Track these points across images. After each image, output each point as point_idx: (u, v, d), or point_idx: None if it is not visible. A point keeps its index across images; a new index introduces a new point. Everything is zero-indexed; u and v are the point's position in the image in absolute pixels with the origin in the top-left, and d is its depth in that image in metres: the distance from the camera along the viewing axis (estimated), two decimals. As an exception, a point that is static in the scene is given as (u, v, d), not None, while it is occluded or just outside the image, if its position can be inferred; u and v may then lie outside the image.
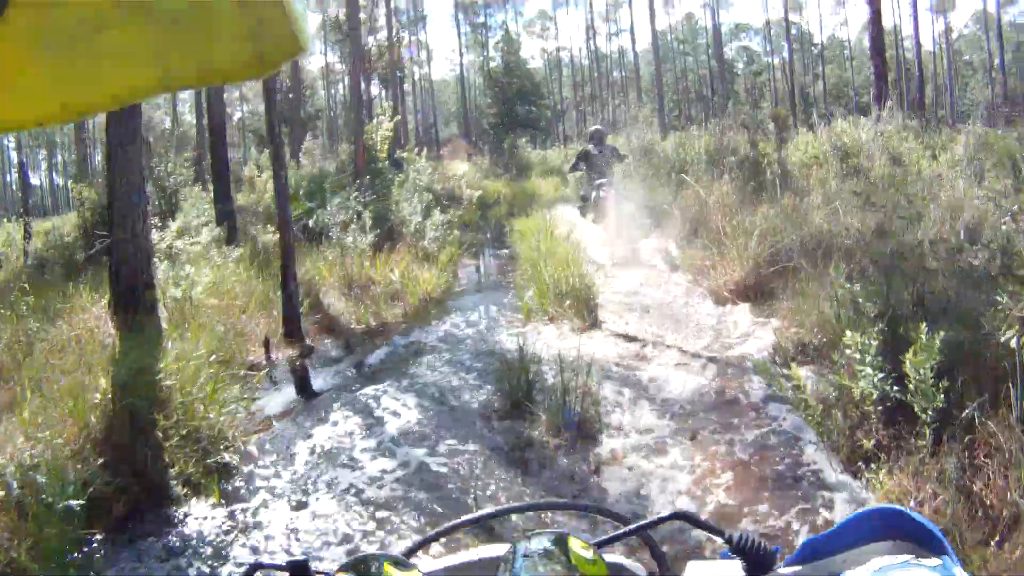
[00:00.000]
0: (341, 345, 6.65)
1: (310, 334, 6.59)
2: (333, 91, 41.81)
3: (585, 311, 6.33)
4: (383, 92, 37.49)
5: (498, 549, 0.78)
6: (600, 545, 0.72)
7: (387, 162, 12.77)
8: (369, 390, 5.24)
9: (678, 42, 49.42)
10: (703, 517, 0.88)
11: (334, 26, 29.79)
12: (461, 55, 41.83)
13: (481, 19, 43.34)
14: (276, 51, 0.53)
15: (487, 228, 15.38)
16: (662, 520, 0.75)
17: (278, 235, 7.05)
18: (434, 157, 28.93)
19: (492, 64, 31.71)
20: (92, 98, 0.56)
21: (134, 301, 5.54)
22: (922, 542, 0.60)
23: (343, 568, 0.69)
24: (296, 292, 6.51)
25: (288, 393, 5.53)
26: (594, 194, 9.75)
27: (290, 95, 29.09)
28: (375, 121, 12.94)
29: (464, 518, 0.83)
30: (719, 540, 0.70)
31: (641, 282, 7.86)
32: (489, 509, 0.88)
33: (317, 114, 37.93)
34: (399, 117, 16.30)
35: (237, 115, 39.68)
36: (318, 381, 5.77)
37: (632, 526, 0.75)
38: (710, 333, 5.85)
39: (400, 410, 4.83)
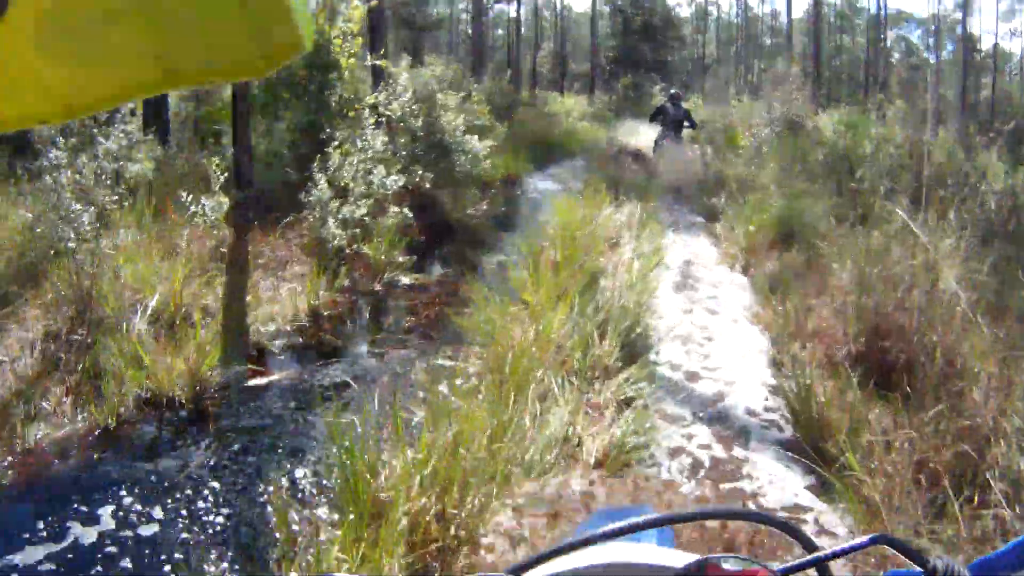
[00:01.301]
0: None
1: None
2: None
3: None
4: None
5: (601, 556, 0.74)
6: (787, 572, 0.64)
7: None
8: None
9: (839, 17, 43.55)
10: (908, 544, 0.63)
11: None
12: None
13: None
14: (278, 48, 0.52)
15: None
16: (862, 547, 0.63)
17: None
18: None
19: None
20: (94, 96, 0.54)
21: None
22: None
23: None
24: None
25: None
26: (661, 142, 12.37)
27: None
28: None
29: (602, 531, 0.63)
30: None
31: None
32: (639, 519, 0.65)
33: (439, 22, 34.77)
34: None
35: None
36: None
37: (826, 552, 0.63)
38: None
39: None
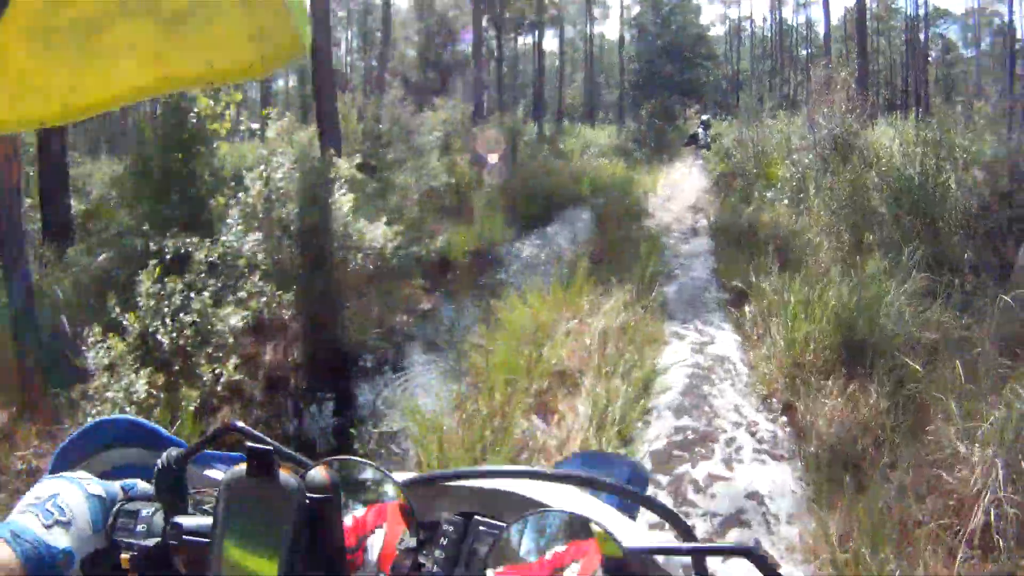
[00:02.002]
0: None
1: None
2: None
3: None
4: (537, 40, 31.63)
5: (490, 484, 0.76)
6: (641, 552, 0.66)
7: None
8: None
9: (875, 19, 40.39)
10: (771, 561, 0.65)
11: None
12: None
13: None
14: (277, 51, 0.52)
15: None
16: (722, 551, 0.69)
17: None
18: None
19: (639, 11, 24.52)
20: (93, 98, 0.54)
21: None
22: None
23: (326, 462, 0.66)
24: None
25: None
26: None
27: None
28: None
29: (473, 469, 0.77)
30: None
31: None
32: (510, 466, 0.79)
33: (464, 61, 33.30)
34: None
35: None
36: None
37: (687, 546, 0.66)
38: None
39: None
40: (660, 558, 0.70)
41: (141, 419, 0.76)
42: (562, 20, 29.20)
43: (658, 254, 7.91)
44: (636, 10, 28.98)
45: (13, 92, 0.52)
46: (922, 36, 37.37)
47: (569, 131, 26.66)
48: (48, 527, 0.59)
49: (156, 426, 0.75)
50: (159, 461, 0.67)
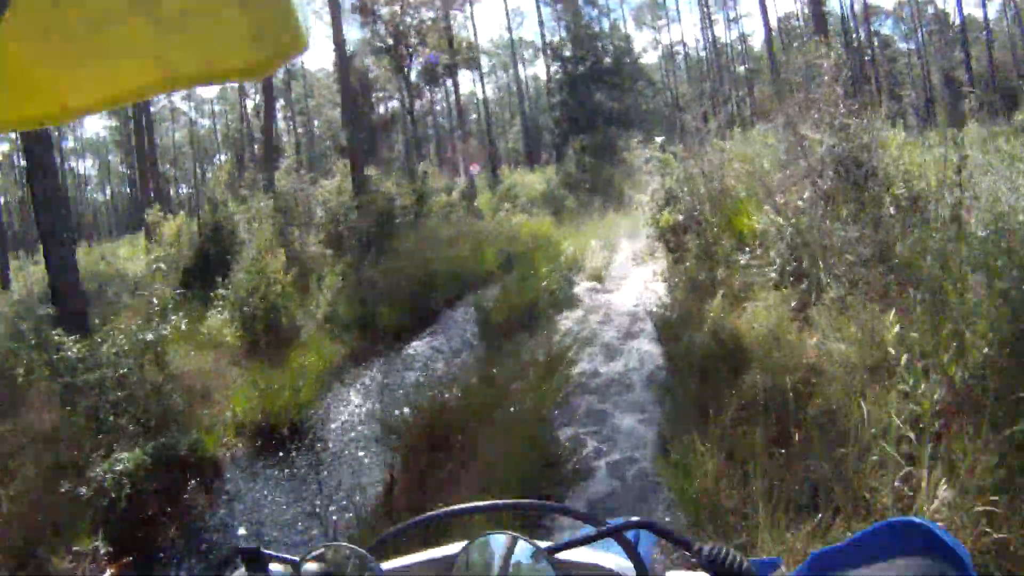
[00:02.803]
0: None
1: None
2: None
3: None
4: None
5: (454, 548, 0.77)
6: (559, 549, 0.71)
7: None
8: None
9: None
10: (671, 527, 0.76)
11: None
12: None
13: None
14: (278, 50, 0.51)
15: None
16: (625, 527, 0.70)
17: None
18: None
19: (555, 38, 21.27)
20: (93, 98, 0.53)
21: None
22: (944, 558, 0.52)
23: (308, 557, 0.70)
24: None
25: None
26: None
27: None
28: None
29: (428, 515, 0.79)
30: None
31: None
32: (454, 507, 0.82)
33: (393, 118, 30.09)
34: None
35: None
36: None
37: (593, 531, 0.71)
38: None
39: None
40: (611, 565, 0.76)
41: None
42: (478, 61, 26.04)
43: (560, 402, 4.19)
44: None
45: (13, 92, 0.50)
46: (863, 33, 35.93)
47: (507, 178, 23.29)
48: None
49: None
50: None
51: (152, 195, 17.78)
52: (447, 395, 4.68)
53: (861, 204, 4.85)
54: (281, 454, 4.95)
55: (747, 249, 5.70)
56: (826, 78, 5.59)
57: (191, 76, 0.52)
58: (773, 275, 4.81)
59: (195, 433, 4.51)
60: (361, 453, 4.86)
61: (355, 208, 10.94)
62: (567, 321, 6.88)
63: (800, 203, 4.95)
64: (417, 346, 7.04)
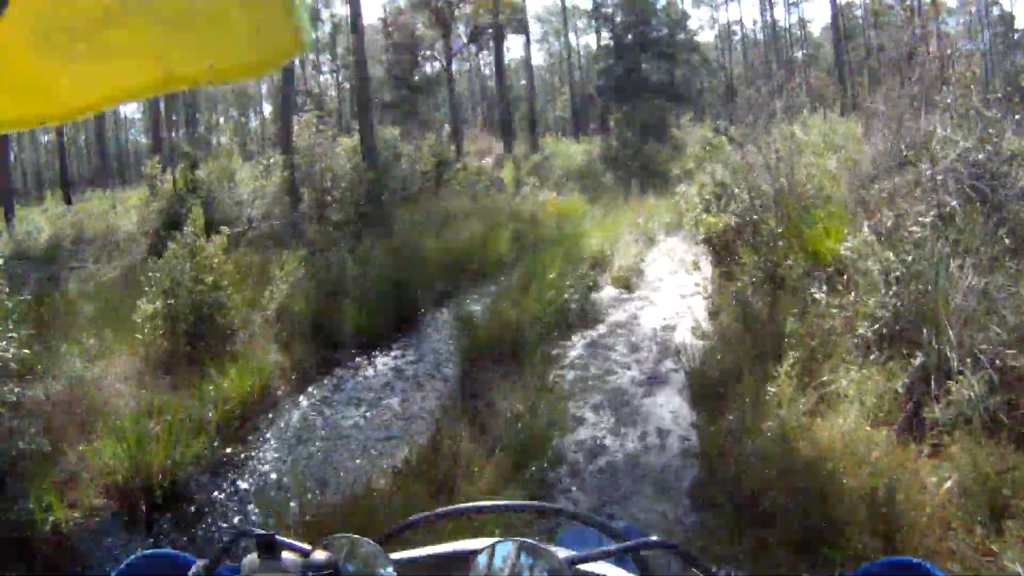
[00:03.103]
0: None
1: None
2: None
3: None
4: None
5: (463, 545, 0.77)
6: (579, 561, 0.69)
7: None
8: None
9: (873, 14, 36.11)
10: (696, 554, 0.68)
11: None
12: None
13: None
14: (278, 50, 0.50)
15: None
16: (647, 545, 0.69)
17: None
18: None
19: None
20: (93, 97, 0.52)
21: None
22: None
23: (319, 545, 0.68)
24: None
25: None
26: None
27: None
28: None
29: (443, 509, 0.79)
30: None
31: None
32: (469, 504, 0.85)
33: (437, 77, 28.58)
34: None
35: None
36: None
37: (615, 547, 0.69)
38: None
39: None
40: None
41: (157, 550, 0.71)
42: (525, 24, 24.18)
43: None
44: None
45: (13, 91, 0.50)
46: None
47: (553, 147, 21.73)
48: None
49: (170, 551, 0.70)
50: None
51: (160, 143, 16.64)
52: (355, 490, 3.37)
53: (1002, 239, 3.34)
54: (152, 525, 3.68)
55: (826, 278, 4.22)
56: (959, 55, 4.00)
57: (191, 76, 0.50)
58: (866, 332, 3.35)
59: (43, 490, 3.32)
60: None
61: (347, 176, 9.60)
62: (576, 348, 5.50)
63: (915, 229, 3.44)
64: (381, 363, 5.70)
